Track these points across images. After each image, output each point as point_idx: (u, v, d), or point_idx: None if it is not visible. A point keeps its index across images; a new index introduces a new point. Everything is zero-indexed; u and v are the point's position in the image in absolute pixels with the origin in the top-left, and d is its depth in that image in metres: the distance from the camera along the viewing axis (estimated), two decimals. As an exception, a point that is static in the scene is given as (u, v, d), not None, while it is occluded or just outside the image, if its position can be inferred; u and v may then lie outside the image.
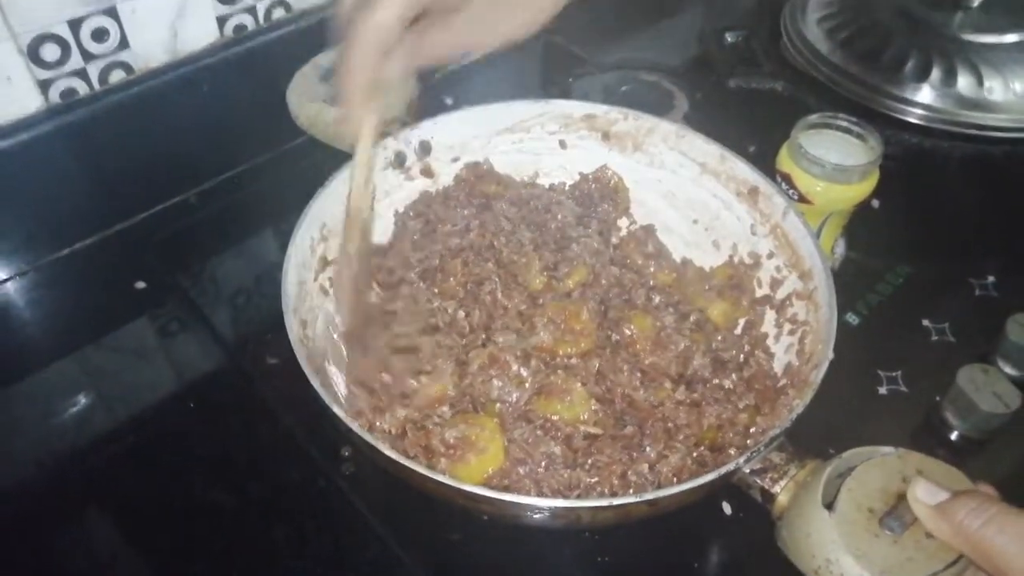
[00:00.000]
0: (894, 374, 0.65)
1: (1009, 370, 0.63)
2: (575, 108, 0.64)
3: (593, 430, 0.48)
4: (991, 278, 0.71)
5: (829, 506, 0.39)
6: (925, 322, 0.68)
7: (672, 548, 0.54)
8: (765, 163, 0.65)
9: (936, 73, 0.80)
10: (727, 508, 0.55)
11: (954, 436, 0.60)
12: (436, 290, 0.56)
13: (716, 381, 0.51)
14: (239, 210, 0.76)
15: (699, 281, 0.59)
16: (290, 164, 0.79)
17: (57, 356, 0.66)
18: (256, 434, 0.61)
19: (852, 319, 0.68)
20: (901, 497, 0.38)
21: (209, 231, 0.74)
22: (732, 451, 0.48)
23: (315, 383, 0.45)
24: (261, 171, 0.79)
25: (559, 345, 0.52)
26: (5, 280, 0.70)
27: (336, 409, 0.43)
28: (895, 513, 0.38)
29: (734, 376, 0.52)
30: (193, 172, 0.77)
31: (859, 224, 0.70)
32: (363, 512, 0.55)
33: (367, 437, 0.42)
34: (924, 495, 0.37)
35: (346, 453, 0.58)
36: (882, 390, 0.63)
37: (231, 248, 0.74)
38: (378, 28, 0.41)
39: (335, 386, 0.53)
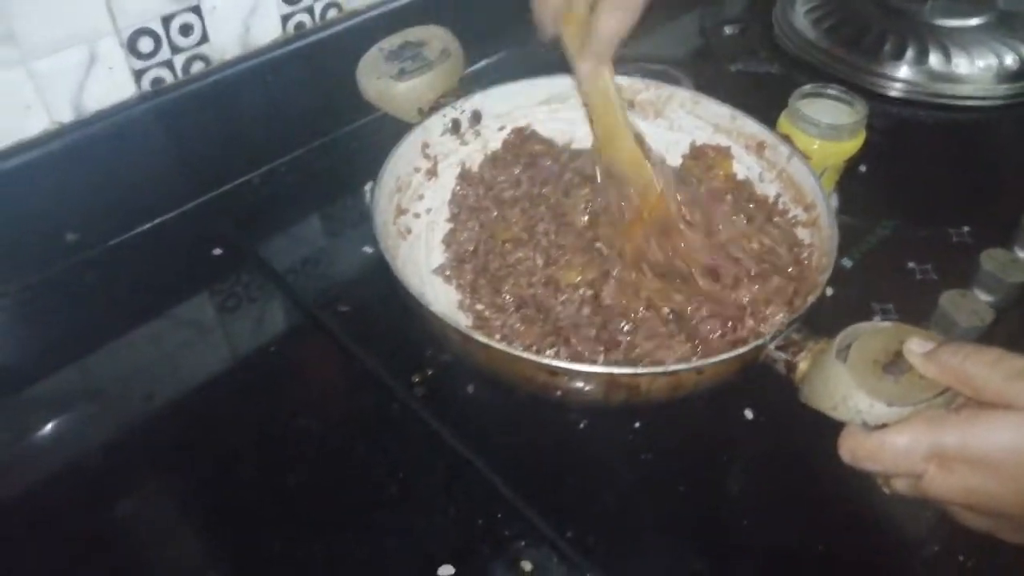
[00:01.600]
0: (887, 306, 0.72)
1: (984, 296, 0.72)
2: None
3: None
4: (966, 228, 0.79)
5: (844, 361, 0.48)
6: (911, 264, 0.76)
7: (703, 448, 0.63)
8: None
9: (910, 53, 0.90)
10: (749, 414, 0.65)
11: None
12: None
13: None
14: (303, 185, 0.84)
15: None
16: (349, 143, 0.88)
17: (151, 316, 0.72)
18: (334, 371, 0.69)
19: (847, 263, 0.76)
20: (898, 353, 0.48)
21: (277, 203, 0.82)
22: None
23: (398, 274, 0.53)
24: (323, 151, 0.87)
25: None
26: (100, 247, 0.77)
27: (423, 300, 0.52)
28: (895, 363, 0.47)
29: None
30: (263, 152, 0.85)
31: (850, 186, 0.78)
32: (435, 428, 0.62)
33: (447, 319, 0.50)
34: (916, 347, 0.47)
35: (416, 379, 0.65)
36: (878, 319, 0.71)
37: (298, 218, 0.82)
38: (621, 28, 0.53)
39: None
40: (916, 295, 0.73)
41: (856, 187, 0.80)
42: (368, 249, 0.76)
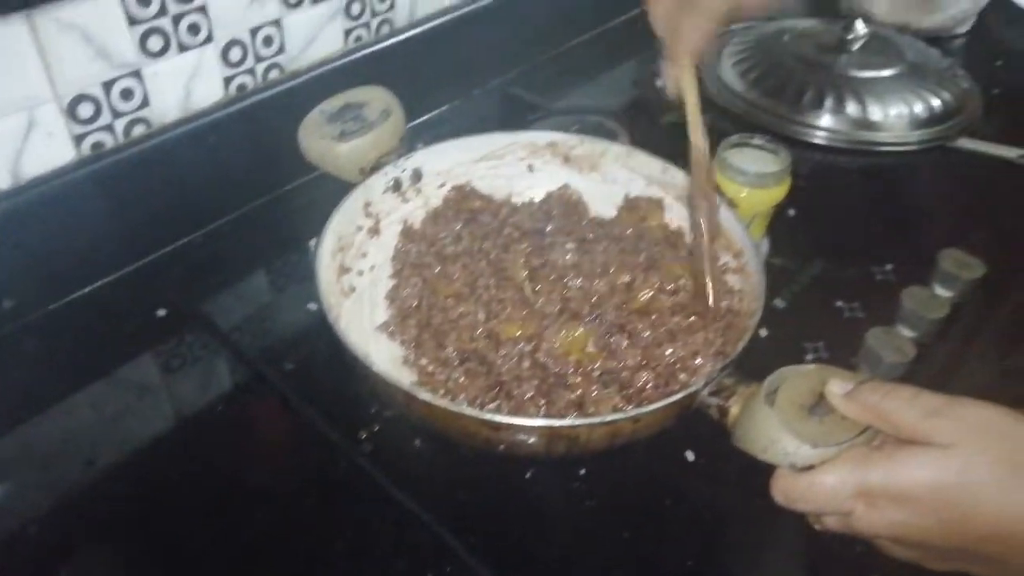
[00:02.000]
0: (818, 344, 0.75)
1: (907, 332, 0.76)
2: (540, 137, 0.77)
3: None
4: (888, 265, 0.83)
5: (771, 405, 0.50)
6: (839, 303, 0.79)
7: (647, 490, 0.64)
8: None
9: (829, 102, 0.95)
10: (690, 455, 0.67)
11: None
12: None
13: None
14: (246, 243, 0.85)
15: None
16: (292, 201, 0.89)
17: (92, 380, 0.72)
18: (282, 431, 0.69)
19: (779, 304, 0.79)
20: (823, 395, 0.50)
21: (221, 262, 0.82)
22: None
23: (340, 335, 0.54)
24: (266, 210, 0.88)
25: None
26: (39, 312, 0.76)
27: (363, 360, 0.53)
28: (819, 405, 0.49)
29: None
30: (205, 212, 0.85)
31: (779, 230, 0.81)
32: (382, 483, 0.63)
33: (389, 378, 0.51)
34: (837, 388, 0.49)
35: (363, 435, 0.66)
36: (809, 357, 0.74)
37: (242, 276, 0.82)
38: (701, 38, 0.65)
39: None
40: (845, 333, 0.76)
41: (786, 230, 0.84)
42: (313, 306, 0.76)
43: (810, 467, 0.47)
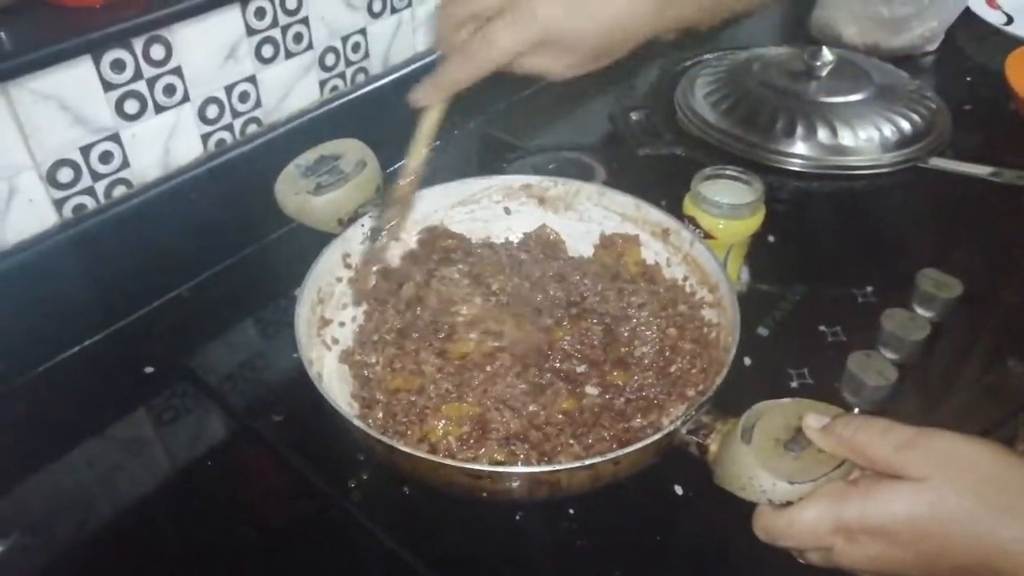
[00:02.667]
0: (802, 370, 0.76)
1: (888, 354, 0.76)
2: (515, 180, 0.78)
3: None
4: (869, 287, 0.84)
5: (747, 442, 0.51)
6: (822, 328, 0.79)
7: (637, 527, 0.64)
8: (674, 212, 0.77)
9: (800, 129, 0.96)
10: (679, 490, 0.67)
11: (854, 412, 0.73)
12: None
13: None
14: (230, 296, 0.85)
15: None
16: (273, 252, 0.90)
17: (83, 437, 0.72)
18: (271, 480, 0.70)
19: (763, 331, 0.80)
20: (798, 429, 0.51)
21: (209, 315, 0.83)
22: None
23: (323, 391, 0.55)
24: (248, 262, 0.89)
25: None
26: (27, 375, 0.76)
27: (344, 412, 0.53)
28: (795, 440, 0.50)
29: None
30: (188, 268, 0.86)
31: (759, 256, 0.82)
32: (372, 530, 0.63)
33: (371, 431, 0.52)
34: (813, 421, 0.50)
35: (352, 484, 0.66)
36: (794, 384, 0.75)
37: (227, 329, 0.83)
38: (488, 63, 0.59)
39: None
40: (828, 358, 0.76)
41: (766, 257, 0.85)
42: (298, 355, 0.77)
43: (788, 503, 0.48)
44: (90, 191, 0.78)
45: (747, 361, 0.75)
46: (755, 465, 0.49)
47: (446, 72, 0.62)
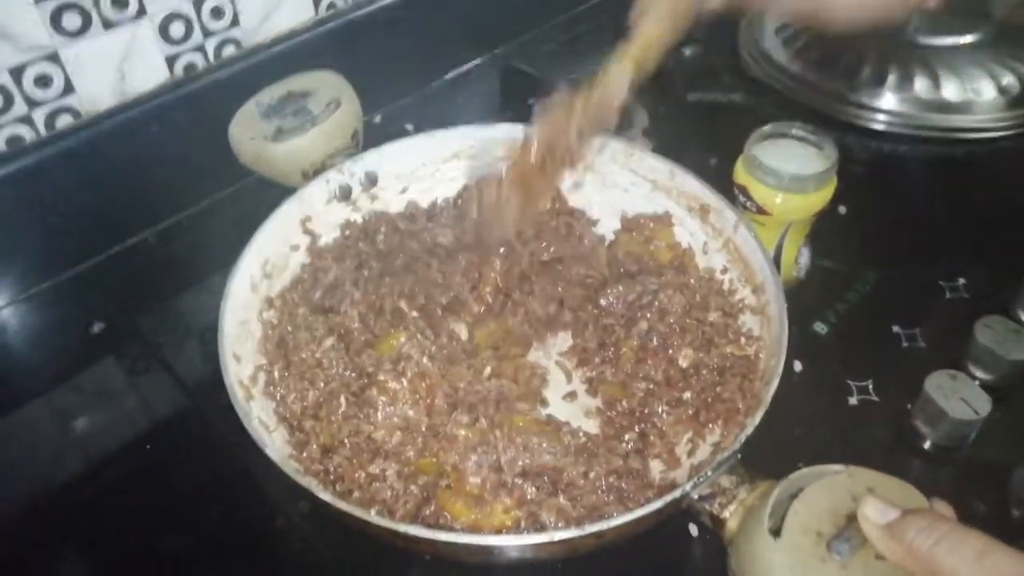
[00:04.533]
0: (864, 383, 0.63)
1: (980, 374, 0.62)
2: (521, 131, 0.63)
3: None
4: (961, 280, 0.70)
5: (778, 531, 0.37)
6: (895, 328, 0.67)
7: (639, 573, 0.53)
8: (727, 176, 0.64)
9: (892, 78, 0.80)
10: (693, 530, 0.54)
11: (927, 445, 0.59)
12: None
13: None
14: (195, 248, 0.76)
15: None
16: (248, 200, 0.78)
17: (13, 404, 0.65)
18: (214, 473, 0.61)
19: (820, 328, 0.67)
20: (851, 518, 0.37)
21: (165, 271, 0.74)
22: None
23: (249, 426, 0.43)
24: (218, 208, 0.78)
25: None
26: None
27: (268, 452, 0.42)
28: (844, 535, 0.36)
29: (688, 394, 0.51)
30: (147, 214, 0.76)
31: (825, 231, 0.69)
32: (320, 550, 0.55)
33: (297, 478, 0.40)
34: (874, 514, 0.36)
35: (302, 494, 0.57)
36: (852, 400, 0.62)
37: (187, 287, 0.73)
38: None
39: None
40: (900, 370, 0.64)
41: (833, 234, 0.71)
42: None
43: (825, 632, 0.34)
44: (27, 120, 0.68)
45: (797, 366, 0.63)
46: (782, 572, 0.35)
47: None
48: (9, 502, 0.59)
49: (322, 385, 0.50)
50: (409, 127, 0.83)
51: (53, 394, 0.66)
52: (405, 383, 0.49)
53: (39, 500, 0.59)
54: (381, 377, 0.48)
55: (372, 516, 0.39)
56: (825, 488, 0.38)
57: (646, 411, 0.50)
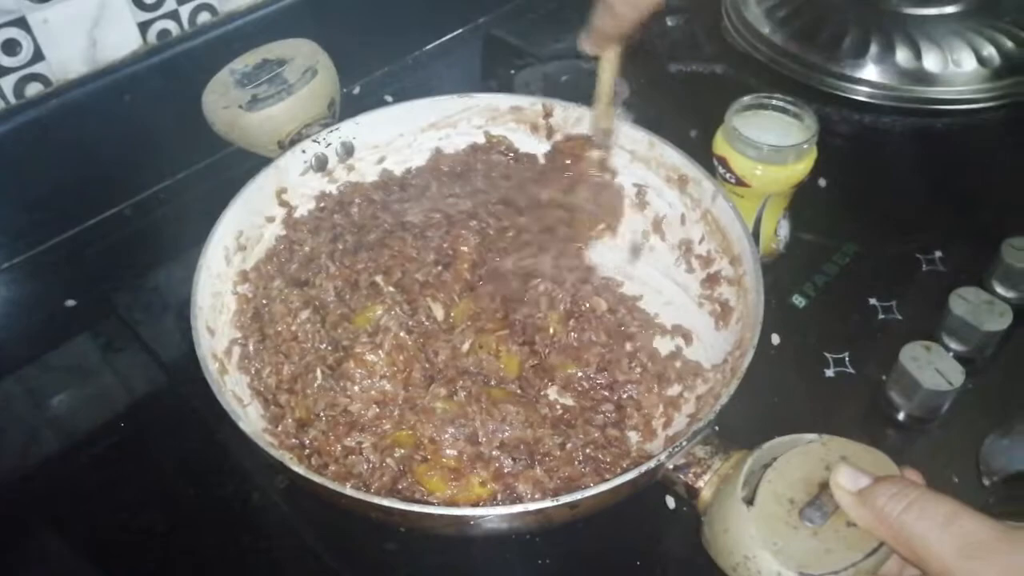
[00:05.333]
0: (841, 356, 0.64)
1: (954, 346, 0.62)
2: (501, 101, 0.63)
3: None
4: (938, 252, 0.70)
5: (751, 500, 0.37)
6: (872, 301, 0.67)
7: (616, 546, 0.53)
8: (707, 148, 0.64)
9: (874, 48, 0.79)
10: (670, 502, 0.54)
11: (901, 416, 0.59)
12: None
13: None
14: (170, 222, 0.74)
15: None
16: (225, 171, 0.77)
17: None
18: (190, 450, 0.60)
19: (798, 301, 0.67)
20: (823, 486, 0.37)
21: (139, 245, 0.73)
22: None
23: (222, 400, 0.43)
24: (193, 180, 0.77)
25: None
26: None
27: (242, 425, 0.41)
28: (816, 503, 0.36)
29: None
30: (122, 186, 0.75)
31: (805, 203, 0.69)
32: (297, 526, 0.54)
33: (271, 452, 0.40)
34: (846, 481, 0.36)
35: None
36: (829, 372, 0.63)
37: (162, 262, 0.72)
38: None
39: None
40: (876, 341, 0.65)
41: (813, 207, 0.70)
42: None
43: (795, 598, 0.35)
44: None
45: (775, 339, 0.63)
46: (755, 540, 0.35)
47: (594, 23, 0.56)
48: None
49: (297, 359, 0.50)
50: (388, 98, 0.82)
51: (26, 370, 0.65)
52: (382, 355, 0.48)
53: (9, 478, 0.58)
54: (358, 349, 0.48)
55: (347, 489, 0.39)
56: (798, 457, 0.38)
57: (616, 381, 0.50)
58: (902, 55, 0.78)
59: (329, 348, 0.49)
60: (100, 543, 0.54)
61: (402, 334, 0.49)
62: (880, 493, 0.35)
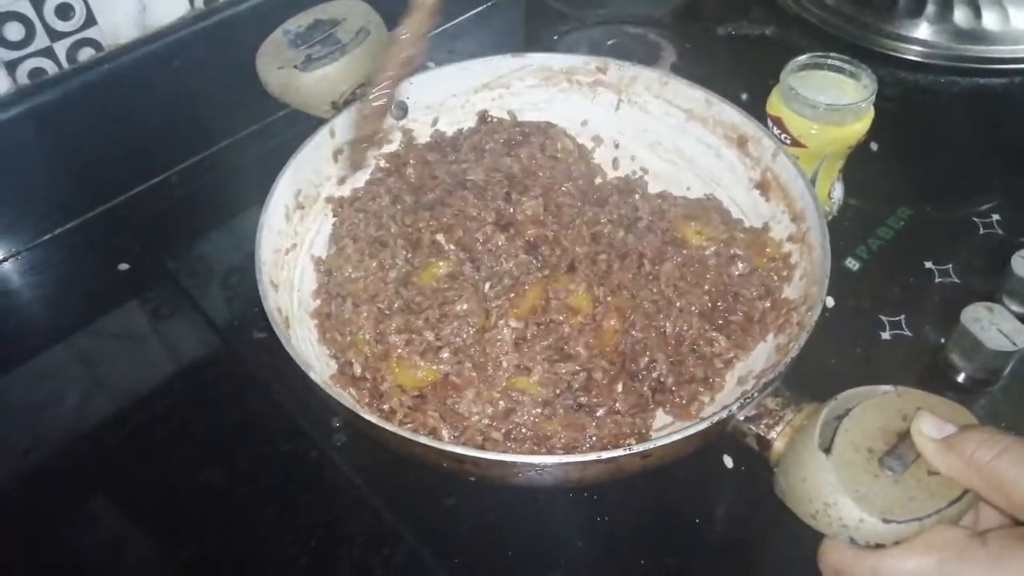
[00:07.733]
0: (897, 318, 0.63)
1: (1016, 307, 0.61)
2: (555, 61, 0.62)
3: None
4: (995, 216, 0.69)
5: (827, 450, 0.37)
6: (928, 264, 0.66)
7: (674, 505, 0.53)
8: (759, 112, 0.63)
9: (931, 7, 0.77)
10: (728, 461, 0.54)
11: (961, 378, 0.58)
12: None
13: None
14: (222, 187, 0.74)
15: None
16: (274, 136, 0.77)
17: (43, 344, 0.64)
18: (247, 410, 0.60)
19: (852, 264, 0.66)
20: (901, 436, 0.37)
21: (192, 210, 0.73)
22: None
23: (291, 351, 0.43)
24: (244, 145, 0.77)
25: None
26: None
27: (313, 376, 0.42)
28: (895, 452, 0.36)
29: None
30: (173, 150, 0.75)
31: (857, 167, 0.68)
32: (356, 482, 0.55)
33: (347, 403, 0.40)
34: (930, 429, 0.35)
35: (337, 424, 0.57)
36: (885, 335, 0.62)
37: (215, 226, 0.72)
38: None
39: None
40: (934, 305, 0.64)
41: (866, 169, 0.69)
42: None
43: (876, 545, 0.34)
44: (48, 52, 0.67)
45: (829, 302, 0.62)
46: (836, 487, 0.35)
47: None
48: (43, 442, 0.58)
49: (364, 312, 0.50)
50: (431, 64, 0.82)
51: (81, 334, 0.65)
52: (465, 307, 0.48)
53: (72, 440, 0.59)
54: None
55: (421, 437, 0.39)
56: (875, 407, 0.38)
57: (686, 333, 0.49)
58: (960, 14, 0.76)
59: (399, 304, 0.50)
60: (159, 501, 0.55)
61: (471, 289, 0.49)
62: (969, 440, 0.34)
